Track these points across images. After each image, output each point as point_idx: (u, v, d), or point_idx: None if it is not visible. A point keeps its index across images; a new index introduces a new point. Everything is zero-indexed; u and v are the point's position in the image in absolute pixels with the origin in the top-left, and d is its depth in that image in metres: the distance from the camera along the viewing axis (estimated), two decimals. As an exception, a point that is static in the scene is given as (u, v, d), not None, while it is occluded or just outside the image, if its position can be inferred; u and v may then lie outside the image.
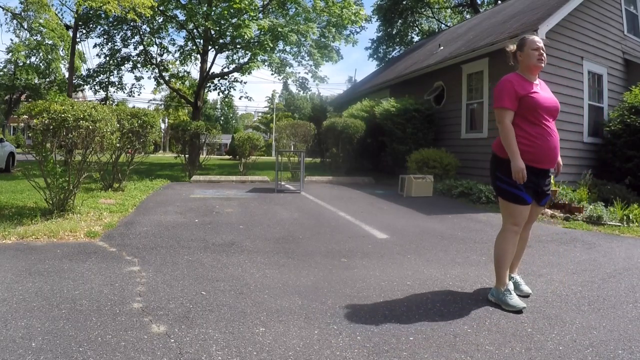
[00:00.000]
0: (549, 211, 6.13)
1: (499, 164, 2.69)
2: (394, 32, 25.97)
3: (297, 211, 6.04)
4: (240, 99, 70.84)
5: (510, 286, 2.69)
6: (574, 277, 3.28)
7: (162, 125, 43.04)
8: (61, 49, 25.61)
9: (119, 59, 15.18)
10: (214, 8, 12.77)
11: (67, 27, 17.08)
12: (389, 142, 10.27)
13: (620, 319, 2.46)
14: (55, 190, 4.88)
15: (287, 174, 10.43)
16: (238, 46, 13.56)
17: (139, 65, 15.33)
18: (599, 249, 4.24)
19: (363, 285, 2.97)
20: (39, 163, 4.80)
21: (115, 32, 14.69)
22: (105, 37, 14.80)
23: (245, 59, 13.98)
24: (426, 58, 12.16)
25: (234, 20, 11.92)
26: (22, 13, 19.92)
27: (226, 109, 55.30)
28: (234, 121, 61.74)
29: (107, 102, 16.36)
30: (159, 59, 15.76)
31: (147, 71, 15.79)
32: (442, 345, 2.11)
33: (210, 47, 14.08)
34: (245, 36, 11.27)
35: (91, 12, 13.12)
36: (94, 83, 15.43)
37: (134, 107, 9.06)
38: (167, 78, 16.75)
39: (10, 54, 27.79)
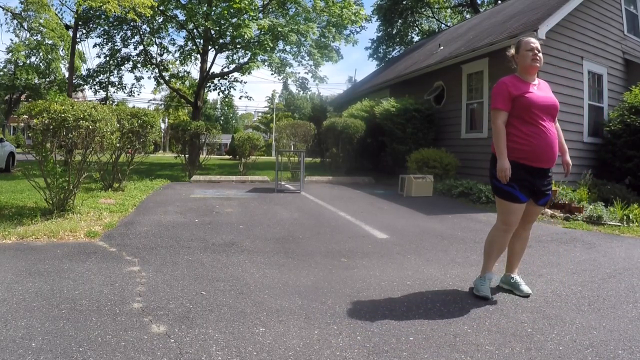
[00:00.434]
0: (549, 211, 6.14)
1: (495, 163, 2.76)
2: (394, 32, 25.96)
3: (297, 211, 6.04)
4: (240, 98, 70.76)
5: (492, 276, 2.83)
6: (574, 277, 3.28)
7: (162, 125, 43.03)
8: (61, 49, 25.64)
9: (119, 59, 15.18)
10: (214, 8, 12.76)
11: (67, 27, 17.08)
12: (389, 142, 10.27)
13: (620, 319, 2.46)
14: (55, 190, 4.88)
15: (287, 174, 10.43)
16: (238, 46, 13.55)
17: (139, 65, 15.33)
18: (599, 249, 4.24)
19: (363, 285, 2.97)
20: (39, 163, 4.80)
21: (115, 32, 14.68)
22: (105, 37, 14.80)
23: (245, 59, 13.97)
24: (426, 58, 12.16)
25: (234, 20, 11.92)
26: (22, 13, 19.94)
27: (226, 108, 55.30)
28: (234, 121, 61.72)
29: (107, 102, 16.36)
30: (159, 59, 15.78)
31: (147, 71, 15.82)
32: (442, 345, 2.11)
33: (210, 47, 14.08)
34: (245, 36, 11.27)
35: (91, 12, 13.13)
36: (94, 83, 15.43)
37: (134, 107, 9.07)
38: (167, 78, 16.76)
39: (10, 54, 27.83)
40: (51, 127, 4.62)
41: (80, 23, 14.14)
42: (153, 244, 3.92)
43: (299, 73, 20.15)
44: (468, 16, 23.66)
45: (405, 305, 2.62)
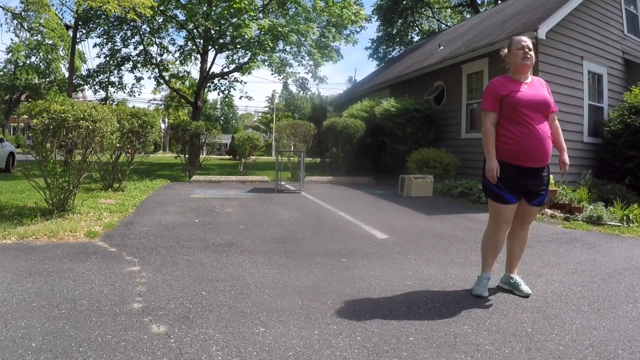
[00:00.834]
0: (549, 211, 6.14)
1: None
2: (394, 32, 25.95)
3: (297, 211, 6.04)
4: (240, 98, 70.84)
5: (488, 276, 2.83)
6: (574, 277, 3.28)
7: (162, 125, 43.01)
8: (61, 49, 25.63)
9: (119, 59, 15.18)
10: (214, 8, 12.76)
11: (67, 27, 17.06)
12: (389, 142, 10.27)
13: (620, 319, 2.46)
14: (55, 190, 4.88)
15: (287, 174, 10.42)
16: (238, 46, 13.56)
17: (139, 65, 15.33)
18: (599, 249, 4.24)
19: (363, 285, 2.97)
20: (39, 163, 4.79)
21: (115, 32, 14.68)
22: (105, 37, 14.80)
23: (245, 59, 13.98)
24: (426, 58, 12.16)
25: (234, 20, 11.92)
26: (22, 13, 19.92)
27: (226, 108, 55.27)
28: (234, 121, 61.72)
29: (107, 102, 16.36)
30: (159, 59, 15.78)
31: (147, 71, 15.82)
32: (442, 345, 2.11)
33: (210, 47, 14.08)
34: (245, 36, 11.27)
35: (91, 12, 13.12)
36: (94, 83, 15.44)
37: (134, 107, 9.08)
38: (167, 78, 16.76)
39: (10, 54, 27.85)
40: (51, 127, 4.62)
41: (80, 23, 14.13)
42: (153, 244, 3.92)
43: (299, 73, 20.21)
44: (468, 16, 23.66)
45: (405, 305, 2.62)
